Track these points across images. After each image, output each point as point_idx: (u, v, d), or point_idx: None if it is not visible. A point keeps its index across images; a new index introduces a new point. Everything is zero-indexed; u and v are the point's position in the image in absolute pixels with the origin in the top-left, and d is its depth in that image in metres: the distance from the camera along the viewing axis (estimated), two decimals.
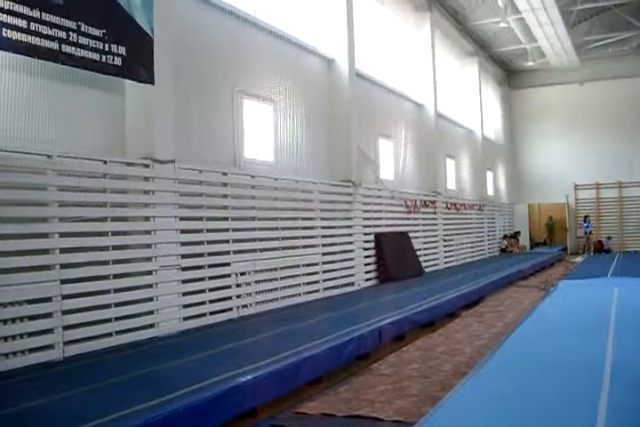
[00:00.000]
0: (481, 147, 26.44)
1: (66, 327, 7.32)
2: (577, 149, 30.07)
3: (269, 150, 12.15)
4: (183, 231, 9.19)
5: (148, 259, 8.63)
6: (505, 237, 28.65)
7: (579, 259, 26.27)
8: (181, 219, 9.17)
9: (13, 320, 6.80)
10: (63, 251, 7.42)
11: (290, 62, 13.00)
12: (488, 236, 26.37)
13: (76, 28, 7.33)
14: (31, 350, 6.95)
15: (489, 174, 28.21)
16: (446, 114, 22.84)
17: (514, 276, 17.96)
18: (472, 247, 23.92)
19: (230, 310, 9.98)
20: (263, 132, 11.99)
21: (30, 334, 6.96)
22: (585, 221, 29.42)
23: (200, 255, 9.49)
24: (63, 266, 7.38)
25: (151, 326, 8.51)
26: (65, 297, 7.34)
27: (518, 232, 30.07)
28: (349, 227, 14.02)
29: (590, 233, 29.45)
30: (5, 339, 6.69)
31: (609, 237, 29.18)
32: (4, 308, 6.69)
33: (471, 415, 5.29)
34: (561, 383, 6.16)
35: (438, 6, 21.54)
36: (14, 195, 6.98)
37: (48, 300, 7.17)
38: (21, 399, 5.43)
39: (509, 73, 32.18)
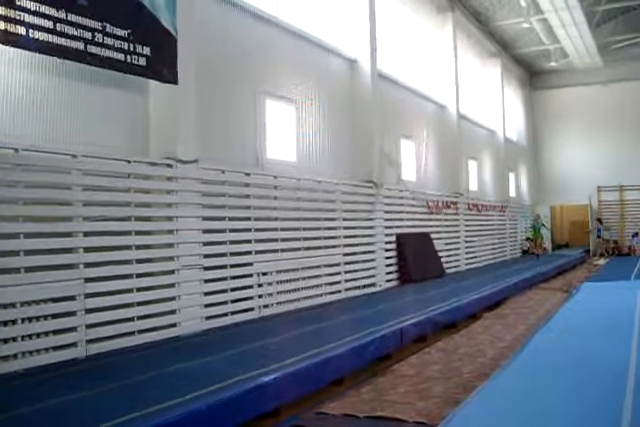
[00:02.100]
0: (503, 148, 26.29)
1: (89, 326, 7.37)
2: (600, 150, 29.78)
3: (292, 151, 12.17)
4: (206, 231, 9.22)
5: (171, 258, 8.67)
6: (528, 238, 28.47)
7: (601, 261, 26.06)
8: (204, 219, 9.20)
9: (38, 318, 6.85)
10: (87, 250, 7.47)
11: (312, 63, 13.01)
12: (510, 237, 26.22)
13: (101, 28, 7.39)
14: (55, 348, 7.00)
15: (511, 176, 28.06)
16: (468, 115, 22.74)
17: (536, 278, 17.85)
18: (494, 249, 23.80)
19: (252, 309, 10.00)
20: (285, 133, 12.01)
21: (54, 333, 7.02)
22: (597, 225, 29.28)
23: (222, 255, 9.51)
24: (87, 265, 7.44)
25: (173, 325, 8.55)
26: (88, 296, 7.39)
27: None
28: (371, 228, 14.00)
29: (599, 237, 29.25)
30: (30, 337, 6.74)
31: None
32: (29, 306, 6.75)
33: (494, 417, 5.26)
34: (584, 386, 6.11)
35: (460, 7, 21.45)
36: (40, 194, 7.05)
37: (72, 298, 7.23)
38: (47, 396, 5.47)
39: (532, 74, 31.97)
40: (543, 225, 26.51)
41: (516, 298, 14.66)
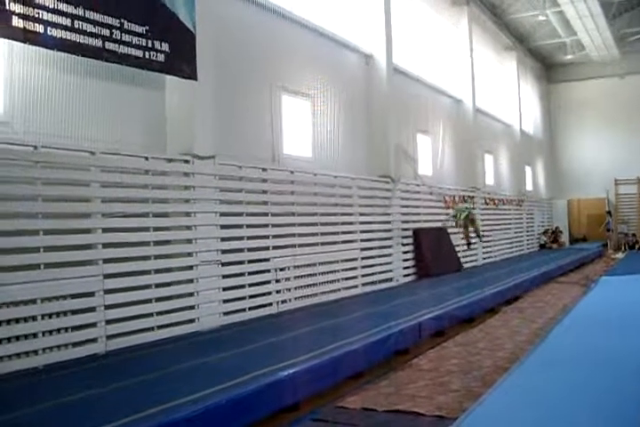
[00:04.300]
0: (519, 142, 26.17)
1: (108, 322, 7.42)
2: (617, 143, 29.54)
3: (308, 146, 12.18)
4: (223, 227, 9.25)
5: (189, 254, 8.71)
6: (546, 231, 28.34)
7: (620, 255, 25.90)
8: (221, 214, 9.22)
9: (58, 314, 6.91)
10: (106, 246, 7.51)
11: (328, 58, 13.00)
12: (527, 231, 26.10)
13: (119, 25, 7.42)
14: (75, 344, 7.06)
15: (527, 169, 27.92)
16: (484, 109, 22.64)
17: (554, 272, 17.78)
18: (511, 243, 23.69)
19: (270, 305, 10.02)
20: (302, 128, 12.02)
21: (74, 328, 7.07)
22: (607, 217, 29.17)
23: (240, 251, 9.53)
24: (106, 261, 7.48)
25: (192, 320, 8.58)
26: (107, 292, 7.43)
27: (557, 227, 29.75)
28: (388, 222, 13.99)
29: (609, 230, 29.10)
30: (50, 332, 6.80)
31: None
32: (49, 302, 6.80)
33: (513, 411, 5.25)
34: (604, 379, 6.08)
35: (475, 0, 21.36)
36: (59, 191, 7.10)
37: (91, 294, 7.27)
38: (67, 392, 5.51)
39: (548, 67, 31.77)
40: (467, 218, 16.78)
41: (534, 292, 14.61)
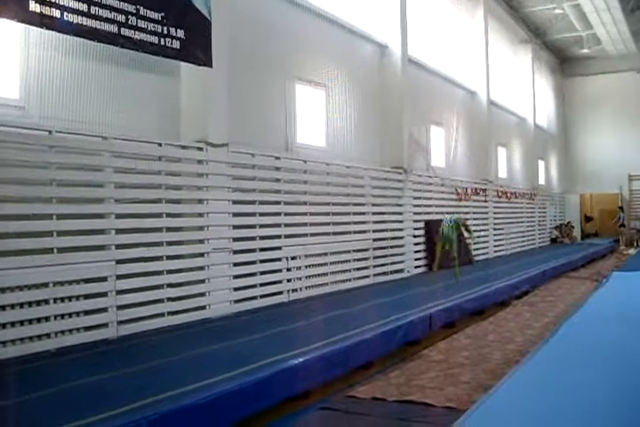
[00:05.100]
0: (533, 135, 26.05)
1: (120, 307, 7.45)
2: (632, 138, 29.34)
3: (321, 135, 12.16)
4: (235, 215, 9.25)
5: (201, 241, 8.73)
6: (560, 226, 28.24)
7: (632, 251, 25.81)
8: (234, 202, 9.23)
9: (70, 298, 6.94)
10: (119, 231, 7.53)
11: (343, 48, 12.96)
12: (539, 225, 26.02)
13: (134, 11, 7.41)
14: (87, 329, 7.09)
15: (540, 163, 27.80)
16: (498, 101, 22.54)
17: (565, 266, 17.71)
18: (522, 237, 23.63)
19: (280, 293, 10.03)
20: (315, 118, 11.99)
21: (86, 313, 7.10)
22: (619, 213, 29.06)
23: (252, 239, 9.54)
24: (118, 246, 7.50)
25: (202, 307, 8.60)
26: (119, 277, 7.46)
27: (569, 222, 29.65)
28: (400, 213, 13.96)
29: (622, 225, 28.99)
30: (62, 316, 6.84)
31: None
32: (62, 286, 6.83)
33: (523, 404, 5.23)
34: (614, 374, 6.05)
35: None
36: (73, 176, 7.12)
37: (103, 279, 7.30)
38: (78, 376, 5.55)
39: (563, 60, 31.58)
40: (458, 229, 13.32)
41: (545, 286, 14.57)
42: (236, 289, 9.17)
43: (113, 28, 7.16)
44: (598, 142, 30.53)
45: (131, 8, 7.37)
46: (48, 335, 6.68)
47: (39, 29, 6.69)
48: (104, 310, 7.30)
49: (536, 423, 4.77)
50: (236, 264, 9.21)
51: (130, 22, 7.35)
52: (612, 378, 5.91)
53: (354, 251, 12.07)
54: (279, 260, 10.06)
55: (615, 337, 7.80)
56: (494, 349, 8.13)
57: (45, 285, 6.68)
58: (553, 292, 13.71)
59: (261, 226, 9.73)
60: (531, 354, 7.02)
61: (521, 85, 25.83)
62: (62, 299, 6.85)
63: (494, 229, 20.32)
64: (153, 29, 7.63)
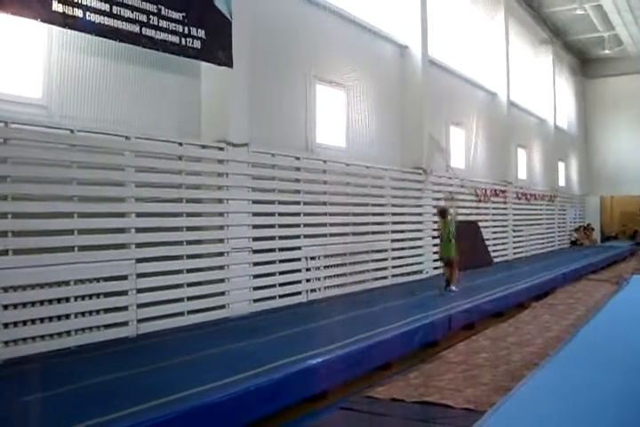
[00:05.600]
0: (553, 137, 25.89)
1: (140, 305, 7.48)
2: None
3: (341, 136, 12.15)
4: (255, 214, 9.27)
5: (221, 240, 8.75)
6: (580, 228, 28.05)
7: None
8: (254, 202, 9.25)
9: (90, 297, 6.98)
10: (139, 230, 7.56)
11: (363, 48, 12.95)
12: (558, 227, 25.87)
13: (156, 11, 7.45)
14: (107, 327, 7.12)
15: (561, 165, 27.62)
16: (519, 103, 22.44)
17: (585, 269, 17.60)
18: (542, 239, 23.53)
19: (299, 293, 10.03)
20: (335, 118, 11.98)
21: (106, 311, 7.13)
22: None
23: (271, 238, 9.55)
24: (139, 245, 7.54)
25: (222, 307, 8.62)
26: (139, 276, 7.49)
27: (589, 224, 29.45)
28: (419, 214, 13.93)
29: None
30: (83, 314, 6.87)
31: None
32: (82, 284, 6.87)
33: (542, 406, 5.21)
34: (634, 377, 6.03)
35: None
36: (94, 174, 7.15)
37: (124, 278, 7.34)
38: (97, 373, 5.58)
39: (584, 61, 31.35)
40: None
41: (564, 288, 14.47)
42: (255, 289, 9.18)
43: (135, 28, 7.21)
44: (619, 144, 30.28)
45: (152, 8, 7.41)
46: (68, 333, 6.71)
47: (62, 29, 6.75)
48: (124, 308, 7.33)
49: (556, 426, 4.76)
50: (255, 264, 9.22)
51: (151, 22, 7.40)
52: (632, 381, 5.88)
53: (372, 251, 12.04)
54: (298, 260, 10.06)
55: (636, 340, 7.77)
56: (513, 351, 8.08)
57: (67, 283, 6.72)
58: (573, 294, 13.62)
59: (281, 226, 9.74)
60: (550, 356, 6.99)
61: (541, 86, 25.69)
62: (83, 297, 6.88)
63: (513, 231, 20.22)
64: (174, 29, 7.66)
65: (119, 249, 7.35)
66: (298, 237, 10.09)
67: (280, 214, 9.74)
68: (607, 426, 4.74)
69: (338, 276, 10.97)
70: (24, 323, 6.34)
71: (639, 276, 15.86)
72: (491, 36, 20.02)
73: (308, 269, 10.22)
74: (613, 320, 9.30)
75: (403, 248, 13.16)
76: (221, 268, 8.68)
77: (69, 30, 6.76)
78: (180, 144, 8.22)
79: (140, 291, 7.48)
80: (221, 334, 7.60)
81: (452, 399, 5.95)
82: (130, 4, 7.15)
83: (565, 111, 29.14)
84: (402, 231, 13.13)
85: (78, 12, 6.59)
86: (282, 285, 9.69)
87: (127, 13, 7.12)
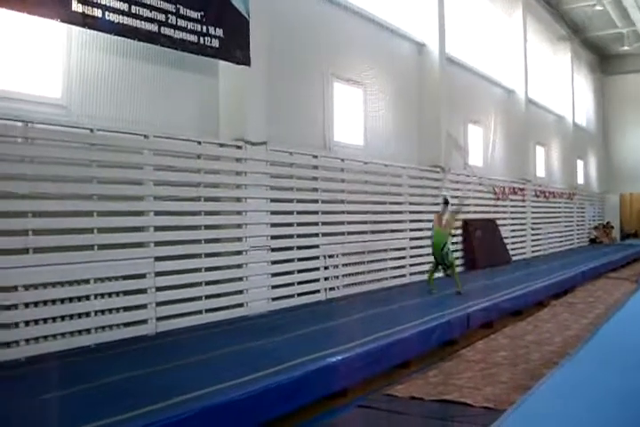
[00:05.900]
0: (572, 134, 25.75)
1: (159, 303, 7.51)
2: None
3: (359, 134, 12.14)
4: (273, 213, 9.27)
5: (239, 239, 8.76)
6: (598, 227, 27.87)
7: None
8: (272, 200, 9.25)
9: (110, 295, 7.01)
10: (157, 229, 7.59)
11: (381, 46, 12.93)
12: (577, 225, 25.73)
13: (174, 10, 7.47)
14: (126, 325, 7.16)
15: (579, 163, 27.47)
16: (537, 100, 22.32)
17: (604, 267, 17.48)
18: (560, 237, 23.39)
19: (318, 292, 10.04)
20: (353, 116, 11.97)
21: (125, 309, 7.17)
22: None
23: (289, 237, 9.56)
24: (157, 244, 7.56)
25: (240, 305, 8.64)
26: (158, 274, 7.52)
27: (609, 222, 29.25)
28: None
29: None
30: (102, 312, 6.90)
31: None
32: (102, 282, 6.91)
33: (562, 406, 5.16)
34: None
35: None
36: (113, 173, 7.17)
37: (142, 276, 7.37)
38: (116, 371, 5.60)
39: (603, 58, 31.12)
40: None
41: (584, 287, 14.41)
42: (273, 287, 9.20)
43: (153, 27, 7.23)
44: (639, 141, 30.04)
45: (170, 7, 7.43)
46: (88, 331, 6.75)
47: (81, 29, 6.78)
48: (143, 306, 7.36)
49: (576, 426, 4.72)
50: (273, 262, 9.23)
51: (170, 21, 7.41)
52: None
53: (391, 250, 12.03)
54: (317, 258, 10.07)
55: None
56: (532, 349, 8.06)
57: (86, 281, 6.76)
58: (592, 292, 13.55)
59: (299, 224, 9.75)
60: (570, 355, 6.94)
61: (560, 83, 25.55)
62: (102, 295, 6.92)
63: (532, 229, 20.13)
64: (192, 28, 7.68)
65: (138, 247, 7.39)
66: (316, 235, 10.09)
67: (298, 213, 9.74)
68: (630, 426, 4.70)
69: (356, 274, 10.97)
70: (44, 321, 6.38)
71: None
72: (508, 33, 19.92)
73: (326, 268, 10.23)
74: (633, 319, 9.21)
75: (421, 246, 13.09)
76: (239, 266, 8.70)
77: (89, 30, 6.78)
78: (199, 143, 8.24)
79: (158, 289, 7.51)
80: (240, 332, 7.62)
81: (471, 398, 5.94)
82: (148, 3, 7.16)
83: (584, 108, 28.96)
84: (420, 229, 13.07)
85: (97, 12, 6.62)
86: (300, 283, 9.70)
87: (146, 13, 7.14)
